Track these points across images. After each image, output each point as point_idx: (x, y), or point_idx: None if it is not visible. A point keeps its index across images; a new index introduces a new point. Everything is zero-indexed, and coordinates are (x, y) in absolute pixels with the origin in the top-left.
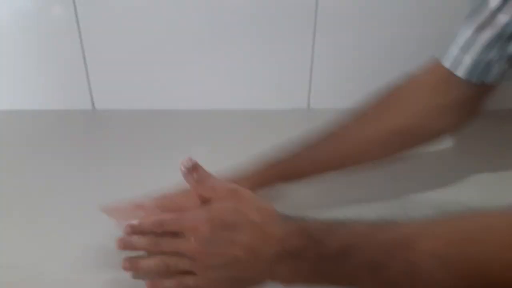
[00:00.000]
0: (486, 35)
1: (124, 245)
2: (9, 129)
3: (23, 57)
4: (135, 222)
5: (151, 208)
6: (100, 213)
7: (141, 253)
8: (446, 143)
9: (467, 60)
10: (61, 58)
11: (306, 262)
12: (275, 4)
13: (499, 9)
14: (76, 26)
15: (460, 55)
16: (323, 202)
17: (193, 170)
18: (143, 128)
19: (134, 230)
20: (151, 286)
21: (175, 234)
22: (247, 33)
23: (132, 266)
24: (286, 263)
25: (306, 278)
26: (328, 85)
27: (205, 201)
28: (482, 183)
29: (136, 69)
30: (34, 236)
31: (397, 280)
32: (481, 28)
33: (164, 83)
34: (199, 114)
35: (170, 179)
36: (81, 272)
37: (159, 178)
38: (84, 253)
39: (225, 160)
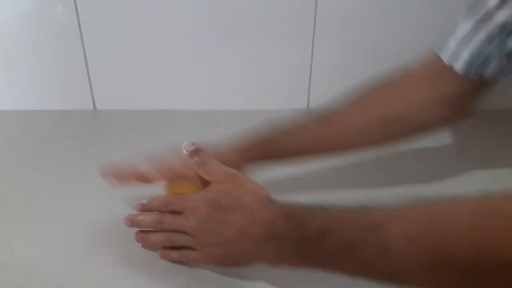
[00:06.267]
0: (485, 30)
1: (131, 222)
2: (9, 129)
3: (24, 57)
4: (144, 202)
5: (149, 172)
6: (101, 213)
7: None
8: (444, 142)
9: (465, 54)
10: (62, 58)
11: (289, 244)
12: (274, 4)
13: (499, 6)
14: (78, 27)
15: (458, 49)
16: (317, 187)
17: (195, 153)
18: (144, 128)
19: (144, 208)
20: (161, 255)
21: (178, 213)
22: (247, 33)
23: (142, 239)
24: (271, 244)
25: (289, 259)
26: (327, 86)
27: (205, 183)
28: (481, 183)
29: (137, 70)
30: (34, 235)
31: (371, 260)
32: (480, 23)
33: (164, 84)
34: (199, 114)
35: None
36: (82, 272)
37: None
38: (84, 252)
39: None
